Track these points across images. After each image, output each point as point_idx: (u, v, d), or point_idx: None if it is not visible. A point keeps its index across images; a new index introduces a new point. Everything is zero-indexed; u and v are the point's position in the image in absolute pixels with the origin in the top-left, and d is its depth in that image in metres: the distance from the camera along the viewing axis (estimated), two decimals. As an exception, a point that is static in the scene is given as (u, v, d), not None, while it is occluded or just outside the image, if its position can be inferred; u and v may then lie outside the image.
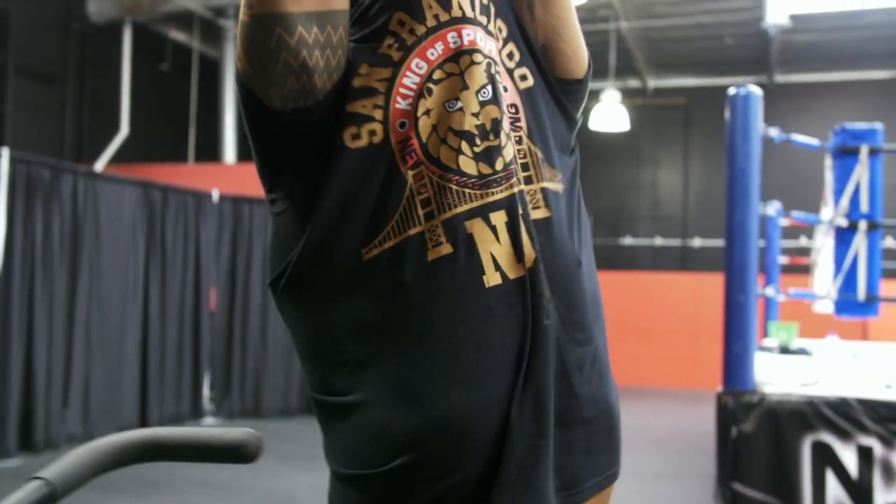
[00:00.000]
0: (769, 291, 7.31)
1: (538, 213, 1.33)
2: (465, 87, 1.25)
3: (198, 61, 14.16)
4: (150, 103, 13.90)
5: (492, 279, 1.25)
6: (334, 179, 1.24)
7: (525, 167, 1.34)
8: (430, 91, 1.25)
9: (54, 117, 13.03)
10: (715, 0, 13.63)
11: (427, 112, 1.24)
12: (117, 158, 12.54)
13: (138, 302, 8.88)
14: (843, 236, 6.13)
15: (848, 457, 4.77)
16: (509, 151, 1.29)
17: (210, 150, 13.95)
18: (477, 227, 1.24)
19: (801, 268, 11.41)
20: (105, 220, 8.49)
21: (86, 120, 13.42)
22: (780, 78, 16.59)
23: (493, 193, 1.26)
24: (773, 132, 6.03)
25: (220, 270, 9.95)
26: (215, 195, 9.95)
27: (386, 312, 1.24)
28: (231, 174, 12.68)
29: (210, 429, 1.03)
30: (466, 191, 1.24)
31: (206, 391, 9.73)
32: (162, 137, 14.41)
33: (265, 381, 10.03)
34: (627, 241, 17.84)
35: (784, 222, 9.31)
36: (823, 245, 7.29)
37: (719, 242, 14.64)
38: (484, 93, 1.26)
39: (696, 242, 17.23)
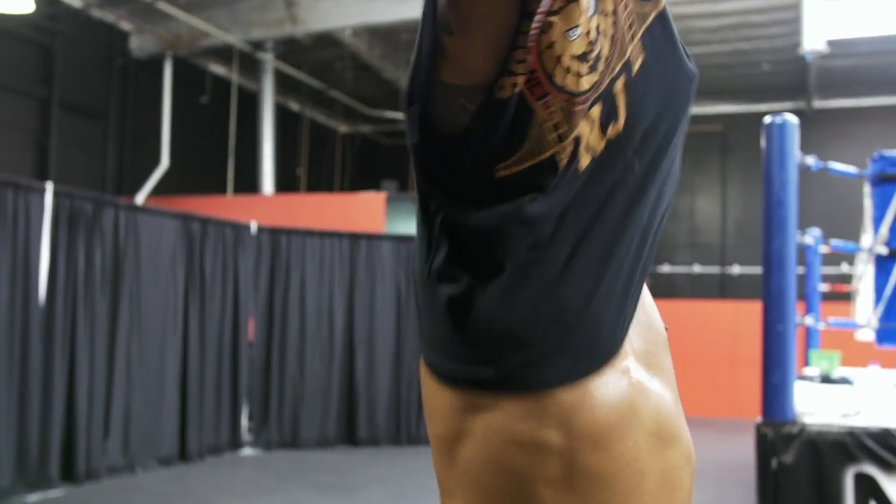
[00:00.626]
0: (808, 320, 7.22)
1: None
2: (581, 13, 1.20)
3: (236, 94, 14.37)
4: (190, 136, 14.11)
5: None
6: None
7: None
8: (550, 25, 1.22)
9: (97, 151, 13.27)
10: (752, 27, 13.60)
11: (550, 45, 1.21)
12: (158, 190, 12.74)
13: (178, 332, 8.98)
14: (884, 264, 6.05)
15: (892, 489, 4.69)
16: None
17: (248, 182, 14.12)
18: None
19: (843, 295, 11.26)
20: (145, 252, 8.62)
21: (127, 153, 13.65)
22: (819, 104, 16.46)
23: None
24: (811, 160, 5.98)
25: (258, 301, 10.04)
26: (253, 226, 10.06)
27: None
28: (269, 205, 12.82)
29: None
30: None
31: (244, 421, 9.79)
32: (201, 169, 14.62)
33: (303, 412, 10.06)
34: (665, 268, 17.72)
35: (824, 249, 9.21)
36: (864, 273, 7.21)
37: (758, 270, 14.51)
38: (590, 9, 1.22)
39: (735, 270, 17.08)
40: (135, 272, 8.48)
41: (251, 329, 9.97)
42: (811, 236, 8.24)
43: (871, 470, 4.76)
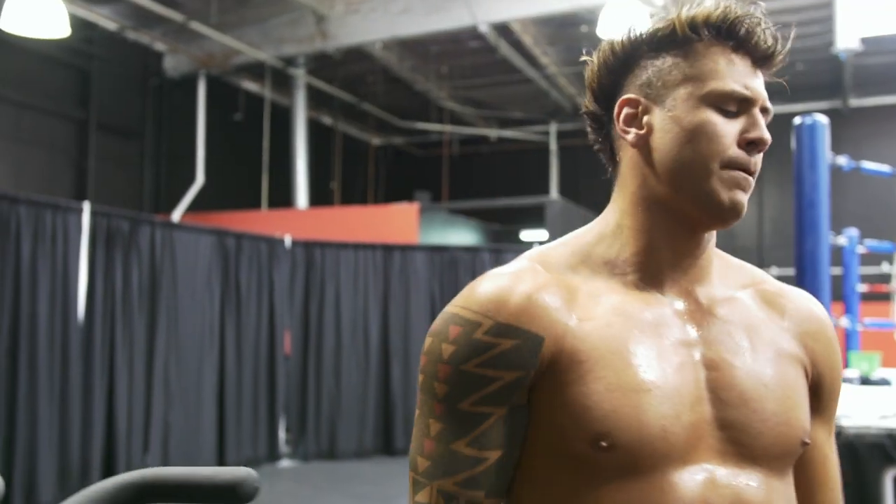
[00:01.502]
0: (844, 322, 7.13)
1: None
2: None
3: (269, 110, 14.52)
4: (225, 152, 14.27)
5: None
6: None
7: None
8: None
9: (134, 170, 13.47)
10: (785, 27, 13.48)
11: None
12: (194, 207, 12.89)
13: (215, 347, 9.07)
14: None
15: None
16: None
17: (283, 196, 14.24)
18: None
19: (883, 296, 11.10)
20: (182, 268, 8.73)
21: (163, 171, 13.84)
22: (855, 102, 16.27)
23: None
24: (842, 160, 5.92)
25: (293, 314, 10.12)
26: (288, 240, 10.15)
27: None
28: (303, 219, 12.92)
29: (206, 468, 1.02)
30: None
31: (281, 434, 9.86)
32: (236, 185, 14.77)
33: (340, 423, 10.12)
34: (703, 272, 17.58)
35: (861, 250, 9.09)
36: (901, 272, 7.11)
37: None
38: None
39: (773, 271, 16.91)
40: (171, 288, 8.59)
41: (287, 342, 10.05)
42: (846, 237, 8.13)
43: (910, 473, 4.69)
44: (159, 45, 12.97)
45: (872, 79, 15.41)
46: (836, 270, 9.25)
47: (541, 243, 11.05)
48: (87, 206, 7.81)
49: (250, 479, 1.02)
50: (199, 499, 1.00)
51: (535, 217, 14.44)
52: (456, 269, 10.96)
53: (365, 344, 10.38)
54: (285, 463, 9.75)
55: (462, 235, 15.43)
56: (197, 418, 8.74)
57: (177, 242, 8.72)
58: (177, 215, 12.45)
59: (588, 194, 17.86)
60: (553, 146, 18.00)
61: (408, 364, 10.52)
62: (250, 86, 14.87)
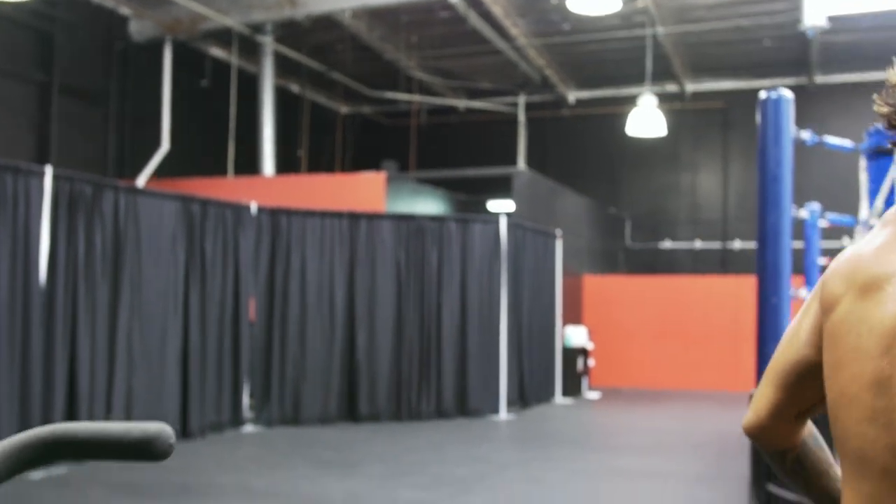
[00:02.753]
0: (803, 293, 7.24)
1: None
2: None
3: (236, 77, 14.38)
4: (191, 119, 14.14)
5: None
6: None
7: None
8: None
9: (98, 135, 13.31)
10: (752, 3, 13.55)
11: None
12: (159, 173, 12.78)
13: (179, 313, 9.04)
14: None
15: None
16: None
17: (249, 164, 14.15)
18: None
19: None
20: (146, 234, 8.67)
21: (128, 136, 13.69)
22: (821, 79, 16.42)
23: None
24: (806, 135, 5.99)
25: (258, 281, 10.10)
26: (254, 207, 10.10)
27: None
28: (269, 186, 12.86)
29: (118, 423, 0.96)
30: None
31: (245, 399, 9.87)
32: (202, 152, 14.65)
33: (304, 389, 10.15)
34: (667, 244, 17.74)
35: (822, 224, 9.21)
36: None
37: (760, 246, 14.50)
38: None
39: (737, 245, 17.09)
40: (135, 254, 8.54)
41: (252, 308, 10.03)
42: (808, 211, 8.25)
43: None
44: (124, 9, 12.78)
45: (839, 56, 15.55)
46: (799, 244, 9.35)
47: (507, 214, 11.08)
48: (49, 170, 7.73)
49: (164, 435, 0.95)
50: (111, 456, 0.96)
51: (502, 187, 14.48)
52: (422, 238, 10.98)
53: (330, 311, 10.39)
54: (249, 428, 9.77)
55: (429, 205, 15.43)
56: (160, 383, 8.72)
57: (141, 208, 8.65)
58: (142, 181, 12.34)
59: (555, 165, 17.92)
60: (521, 117, 18.01)
61: (373, 331, 10.54)
62: (217, 52, 14.71)
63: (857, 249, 1.29)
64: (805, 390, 1.37)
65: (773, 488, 5.19)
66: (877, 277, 1.22)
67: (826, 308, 1.29)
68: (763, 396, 1.43)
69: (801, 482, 1.48)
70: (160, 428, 0.95)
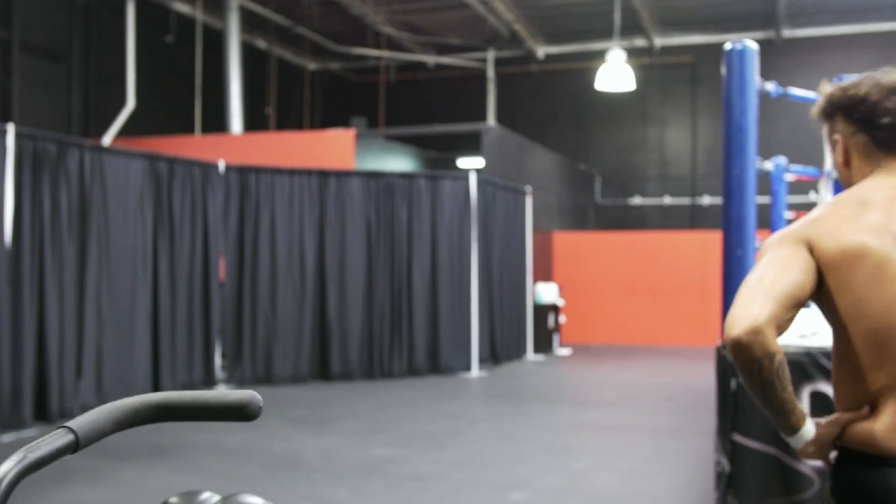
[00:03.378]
0: (770, 246, 7.30)
1: None
2: None
3: (202, 32, 14.17)
4: (156, 76, 13.94)
5: None
6: None
7: None
8: None
9: (61, 92, 13.09)
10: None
11: None
12: (125, 132, 12.61)
13: (148, 273, 8.99)
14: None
15: (845, 406, 4.82)
16: None
17: (216, 121, 14.00)
18: None
19: (809, 223, 11.36)
20: (112, 193, 8.58)
21: (92, 94, 13.48)
22: (788, 33, 16.45)
23: None
24: (770, 86, 6.01)
25: (228, 240, 10.04)
26: (221, 166, 10.02)
27: None
28: (237, 144, 12.74)
29: (215, 391, 1.15)
30: None
31: (217, 359, 9.86)
32: (168, 109, 14.47)
33: (276, 349, 10.15)
34: (636, 200, 17.82)
35: (789, 177, 9.28)
36: (825, 198, 7.29)
37: (728, 200, 14.56)
38: None
39: (706, 200, 17.20)
40: (102, 213, 8.45)
41: (222, 268, 9.98)
42: (773, 163, 8.30)
43: (825, 388, 4.88)
44: (85, -37, 12.52)
45: (805, 10, 15.57)
46: (766, 199, 9.45)
47: (477, 170, 11.03)
48: (11, 128, 7.60)
49: (255, 400, 1.14)
50: (211, 418, 1.16)
51: (471, 144, 14.44)
52: (392, 195, 10.95)
53: (301, 270, 10.37)
54: (221, 388, 9.78)
55: (398, 162, 15.38)
56: (130, 344, 8.68)
57: (107, 166, 8.55)
58: (107, 139, 12.18)
59: (525, 121, 17.89)
60: (490, 73, 17.92)
61: (344, 289, 10.54)
62: (181, 7, 14.47)
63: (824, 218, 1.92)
64: (798, 307, 1.82)
65: (738, 438, 5.27)
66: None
67: (829, 252, 1.86)
68: (758, 306, 1.76)
69: (778, 386, 1.79)
70: (251, 394, 1.14)
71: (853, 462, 1.87)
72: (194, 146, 12.11)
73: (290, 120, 17.49)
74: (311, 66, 18.44)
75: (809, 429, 1.87)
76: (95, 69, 13.48)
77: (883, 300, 1.82)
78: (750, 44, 5.54)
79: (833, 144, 2.07)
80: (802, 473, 4.80)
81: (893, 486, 1.78)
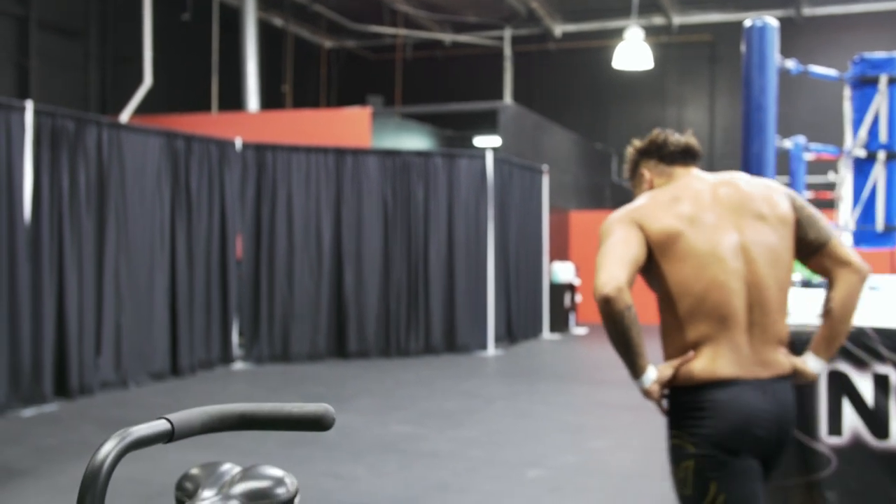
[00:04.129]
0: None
1: None
2: None
3: (218, 10, 14.16)
4: (173, 54, 13.95)
5: None
6: None
7: None
8: None
9: (78, 71, 13.12)
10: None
11: None
12: (142, 110, 12.64)
13: (165, 250, 9.03)
14: (862, 167, 6.07)
15: (864, 385, 4.78)
16: None
17: (233, 100, 14.01)
18: None
19: (828, 202, 11.31)
20: (130, 170, 8.61)
21: (109, 72, 13.51)
22: (808, 11, 16.29)
23: None
24: (790, 64, 5.96)
25: (245, 218, 10.07)
26: (238, 143, 10.03)
27: None
28: (254, 122, 12.75)
29: (294, 404, 1.24)
30: None
31: (235, 337, 9.91)
32: (185, 87, 14.48)
33: (293, 326, 10.19)
34: (654, 180, 17.73)
35: (808, 157, 9.22)
36: (845, 177, 7.23)
37: (746, 180, 14.43)
38: None
39: (723, 180, 17.10)
40: (120, 190, 8.49)
41: (239, 246, 10.02)
42: (792, 141, 8.24)
43: (844, 368, 4.85)
44: (102, -59, 12.51)
45: (826, -13, 15.42)
46: (785, 179, 9.36)
47: (494, 149, 11.04)
48: (29, 105, 7.63)
49: (329, 412, 1.25)
50: (290, 427, 1.26)
51: (488, 122, 14.40)
52: (409, 173, 10.94)
53: (317, 248, 10.39)
54: (239, 365, 9.83)
55: (415, 140, 15.35)
56: (149, 321, 8.74)
57: (125, 144, 8.58)
58: (124, 117, 12.20)
59: (541, 100, 17.82)
60: (507, 51, 17.84)
61: (360, 268, 10.56)
62: (198, -15, 14.46)
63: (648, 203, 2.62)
64: (637, 271, 2.53)
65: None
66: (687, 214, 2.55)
67: (655, 231, 2.52)
68: (617, 271, 2.46)
69: (633, 332, 2.48)
70: (326, 407, 1.25)
71: (679, 391, 2.50)
72: (211, 124, 12.13)
73: (307, 98, 17.47)
74: (328, 44, 18.40)
75: (653, 370, 2.51)
76: (112, 47, 13.49)
77: (695, 271, 2.47)
78: (770, 20, 5.49)
79: (639, 178, 2.84)
80: (819, 453, 4.79)
81: (702, 400, 2.44)
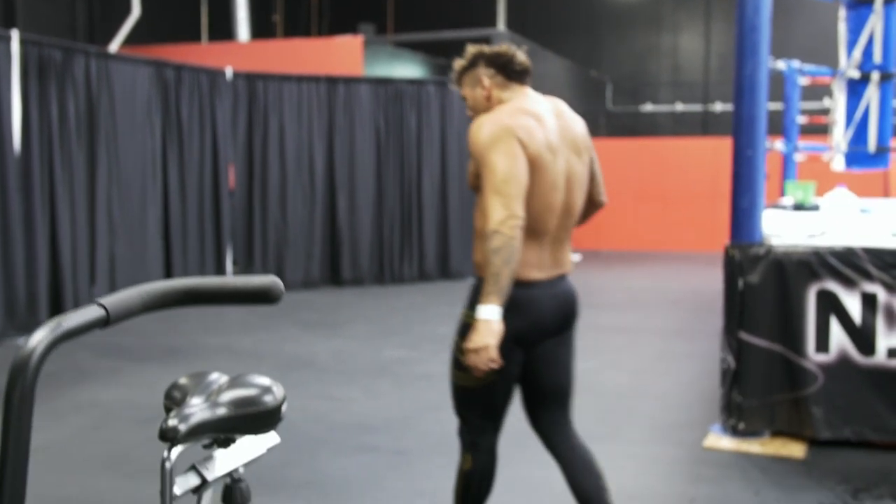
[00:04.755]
0: (778, 145, 7.27)
1: None
2: None
3: (206, -63, 13.91)
4: (161, -18, 13.72)
5: None
6: None
7: None
8: None
9: (65, 0, 12.92)
10: None
11: None
12: (130, 40, 12.48)
13: (157, 180, 9.01)
14: (855, 88, 6.05)
15: (852, 304, 4.83)
16: None
17: (223, 29, 13.84)
18: None
19: (822, 128, 11.27)
20: (120, 100, 8.55)
21: (97, 2, 13.30)
22: (806, -68, 16.03)
23: None
24: (785, -17, 5.88)
25: (237, 147, 10.03)
26: (229, 73, 9.94)
27: None
28: (244, 51, 12.61)
29: (239, 277, 1.20)
30: None
31: (228, 266, 9.94)
32: (174, 17, 14.28)
33: (287, 255, 10.22)
34: (648, 107, 17.64)
35: (803, 81, 9.16)
36: (838, 99, 7.21)
37: (741, 106, 14.40)
38: None
39: (718, 107, 17.02)
40: (110, 120, 8.43)
41: (231, 176, 9.99)
42: (785, 62, 8.18)
43: (832, 286, 4.90)
44: None
45: None
46: (779, 106, 9.32)
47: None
48: (15, 34, 7.54)
49: (277, 284, 1.23)
50: (237, 301, 1.24)
51: (481, 51, 14.21)
52: (401, 102, 10.87)
53: (310, 177, 10.37)
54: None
55: (407, 69, 15.20)
56: (142, 250, 8.76)
57: (114, 74, 8.50)
58: (113, 48, 12.05)
59: (535, 27, 17.62)
60: (500, -23, 17.59)
61: (354, 196, 10.55)
62: (184, -89, 14.18)
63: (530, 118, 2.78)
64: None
65: (744, 336, 5.32)
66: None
67: (530, 153, 2.68)
68: (519, 208, 2.60)
69: (514, 266, 2.60)
70: (273, 279, 1.23)
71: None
72: (201, 54, 11.99)
73: (298, 27, 17.26)
74: (318, -29, 18.12)
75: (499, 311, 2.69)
76: (99, -24, 13.28)
77: (540, 195, 2.71)
78: (764, -62, 5.41)
79: (475, 81, 2.94)
80: (806, 369, 4.86)
81: (518, 298, 2.73)
